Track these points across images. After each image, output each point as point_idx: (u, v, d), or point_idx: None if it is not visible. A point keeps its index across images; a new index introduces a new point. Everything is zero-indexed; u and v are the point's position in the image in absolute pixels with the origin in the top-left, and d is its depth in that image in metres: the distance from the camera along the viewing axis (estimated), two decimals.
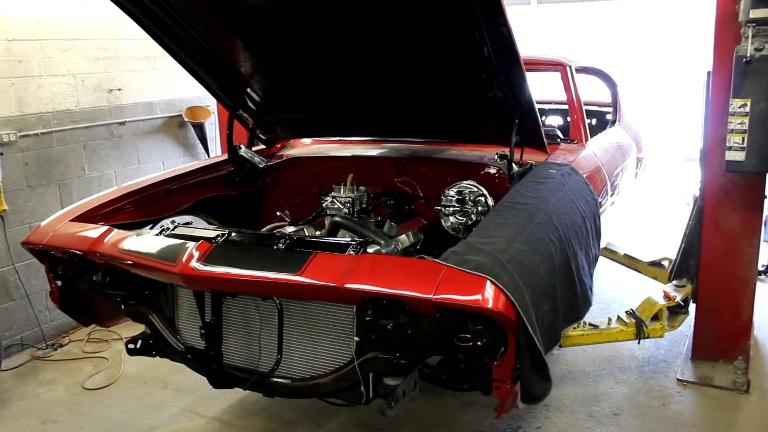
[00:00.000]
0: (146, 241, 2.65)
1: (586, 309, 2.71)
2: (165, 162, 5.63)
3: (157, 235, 2.76)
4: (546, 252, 2.40)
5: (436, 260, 2.17)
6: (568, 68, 4.25)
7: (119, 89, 5.16)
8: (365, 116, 3.78)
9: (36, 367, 4.50)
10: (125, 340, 3.09)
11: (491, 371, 2.20)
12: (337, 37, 3.08)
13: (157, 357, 3.07)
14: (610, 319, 3.88)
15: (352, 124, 3.97)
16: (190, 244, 2.49)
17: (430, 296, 2.05)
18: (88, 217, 3.08)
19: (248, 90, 3.71)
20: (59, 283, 3.12)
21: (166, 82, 5.47)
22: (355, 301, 2.26)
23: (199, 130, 5.81)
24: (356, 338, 2.45)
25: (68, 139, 4.86)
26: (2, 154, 4.40)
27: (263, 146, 4.18)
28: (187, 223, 2.95)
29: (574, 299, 2.60)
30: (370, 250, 2.46)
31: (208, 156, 5.92)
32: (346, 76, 3.38)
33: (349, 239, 2.64)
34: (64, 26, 4.75)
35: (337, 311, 2.52)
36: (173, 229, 2.82)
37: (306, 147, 4.33)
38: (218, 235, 2.65)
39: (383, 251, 2.61)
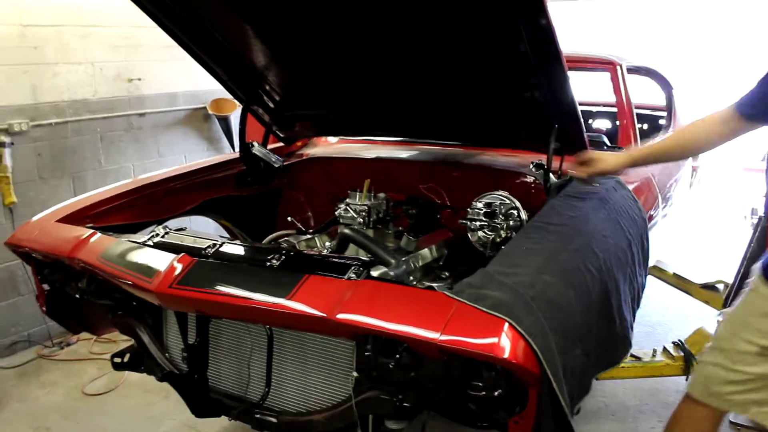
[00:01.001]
0: (128, 250, 2.37)
1: (625, 352, 2.33)
2: (187, 156, 5.39)
3: (142, 243, 2.47)
4: (582, 285, 2.02)
5: (448, 293, 1.82)
6: (618, 67, 3.82)
7: (140, 79, 4.92)
8: (391, 115, 3.42)
9: (40, 367, 4.30)
10: (111, 354, 2.83)
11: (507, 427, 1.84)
12: (362, 28, 2.73)
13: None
14: (655, 351, 3.47)
15: (377, 123, 3.63)
16: (171, 258, 2.19)
17: (435, 338, 1.70)
18: (80, 217, 2.82)
19: (264, 83, 3.40)
20: (46, 287, 2.87)
21: (190, 73, 5.18)
22: (348, 336, 1.93)
23: (225, 123, 5.55)
24: (355, 374, 2.10)
25: (84, 130, 4.65)
26: (13, 143, 4.20)
27: (282, 144, 3.87)
28: (181, 229, 2.66)
29: (612, 341, 2.21)
30: (374, 272, 2.12)
31: (234, 150, 5.67)
32: (372, 71, 3.03)
33: (355, 258, 2.31)
34: (82, 12, 4.52)
35: (334, 341, 2.19)
36: (163, 236, 2.54)
37: (329, 146, 4.01)
38: (207, 247, 2.35)
39: (391, 273, 2.27)
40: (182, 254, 2.19)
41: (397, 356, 1.89)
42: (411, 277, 2.68)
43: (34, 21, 4.26)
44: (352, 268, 2.07)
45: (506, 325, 1.70)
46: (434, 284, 1.89)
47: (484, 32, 2.44)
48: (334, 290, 1.94)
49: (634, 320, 2.50)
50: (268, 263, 2.19)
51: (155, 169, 5.03)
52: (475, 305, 1.76)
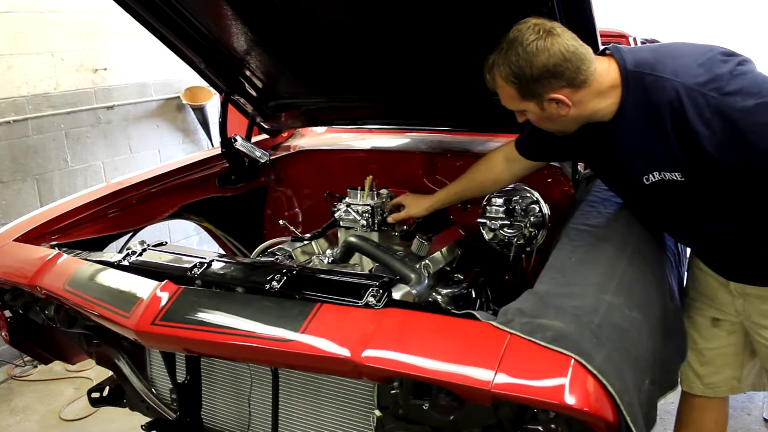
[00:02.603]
0: (99, 276, 2.00)
1: (680, 367, 2.05)
2: (162, 150, 5.00)
3: (116, 264, 2.11)
4: (644, 301, 1.71)
5: (496, 323, 1.50)
6: (632, 40, 3.51)
7: (105, 69, 4.50)
8: (388, 99, 3.08)
9: (11, 390, 3.93)
10: (87, 390, 2.48)
11: None
12: (355, 1, 2.37)
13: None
14: None
15: (372, 110, 3.27)
16: (152, 286, 1.84)
17: (487, 383, 1.38)
18: (42, 233, 2.44)
19: (245, 69, 3.02)
20: (8, 314, 2.49)
21: (161, 60, 4.78)
22: (376, 379, 1.60)
23: (200, 113, 5.17)
24: (377, 412, 1.78)
25: (47, 127, 4.23)
26: None
27: (266, 136, 3.50)
28: (160, 244, 2.30)
29: (673, 358, 1.92)
30: (396, 293, 1.79)
31: (212, 142, 5.28)
32: (365, 50, 2.67)
33: (370, 275, 1.97)
34: None
35: None
36: (140, 254, 2.18)
37: (318, 137, 3.65)
38: (193, 267, 2.00)
39: (413, 291, 1.94)
40: (165, 281, 1.84)
41: (433, 398, 1.58)
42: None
43: None
44: (370, 290, 1.74)
45: (573, 363, 1.38)
46: (476, 312, 1.55)
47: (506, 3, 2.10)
48: (354, 322, 1.61)
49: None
50: (268, 286, 1.85)
51: (127, 166, 4.69)
52: (533, 339, 1.44)
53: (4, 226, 2.58)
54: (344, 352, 1.54)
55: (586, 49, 1.79)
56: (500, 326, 1.49)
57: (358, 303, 1.70)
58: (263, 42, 2.80)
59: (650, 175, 1.85)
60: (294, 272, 1.92)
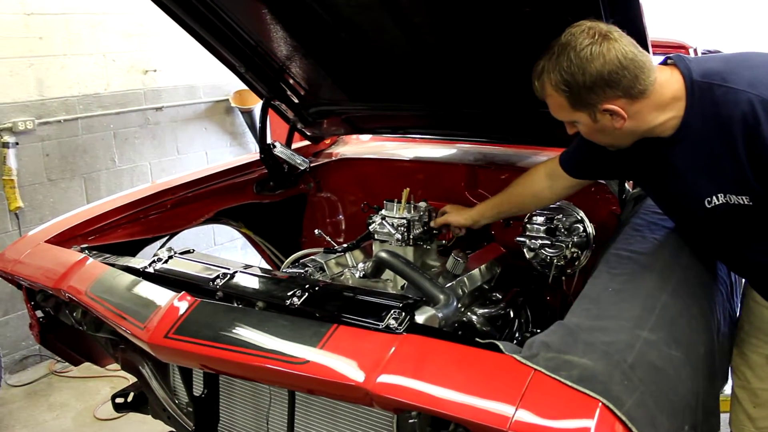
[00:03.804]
0: (120, 284, 1.97)
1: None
2: (209, 152, 5.02)
3: (141, 271, 2.08)
4: (687, 339, 1.57)
5: (519, 358, 1.39)
6: (692, 51, 3.33)
7: (155, 70, 4.54)
8: (431, 109, 2.98)
9: (50, 385, 3.98)
10: (111, 395, 2.46)
11: None
12: (400, 7, 2.29)
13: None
14: None
15: (414, 119, 3.18)
16: (170, 296, 1.79)
17: (505, 426, 1.27)
18: (74, 235, 2.44)
19: (286, 75, 2.98)
20: (40, 314, 2.50)
21: (210, 62, 4.77)
22: (390, 409, 1.51)
23: (249, 116, 5.16)
24: None
25: (96, 127, 4.29)
26: (18, 143, 3.87)
27: (308, 143, 3.45)
28: (187, 252, 2.26)
29: (715, 402, 1.77)
30: (420, 317, 1.70)
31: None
32: (407, 58, 2.58)
33: (395, 295, 1.89)
34: None
35: None
36: (165, 261, 2.14)
37: (361, 145, 3.58)
38: (216, 278, 1.95)
39: (439, 315, 1.84)
40: (182, 293, 1.79)
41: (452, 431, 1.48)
42: (460, 305, 2.26)
43: (39, 9, 3.90)
44: (392, 312, 1.65)
45: (600, 407, 1.26)
46: (500, 343, 1.45)
47: (552, 10, 1.98)
48: (370, 347, 1.52)
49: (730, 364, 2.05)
50: (288, 302, 1.78)
51: (174, 168, 4.71)
52: (557, 377, 1.32)
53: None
54: (357, 378, 1.45)
55: (646, 57, 1.64)
56: (524, 361, 1.38)
57: (378, 326, 1.62)
58: (304, 48, 2.75)
59: (713, 198, 1.69)
60: (317, 288, 1.84)
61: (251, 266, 2.11)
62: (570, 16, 1.88)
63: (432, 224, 2.52)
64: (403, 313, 1.64)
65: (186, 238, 2.95)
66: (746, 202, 1.64)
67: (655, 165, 1.81)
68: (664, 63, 1.74)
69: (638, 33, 1.78)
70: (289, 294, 1.81)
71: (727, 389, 2.88)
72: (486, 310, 2.37)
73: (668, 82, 1.67)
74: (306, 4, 2.35)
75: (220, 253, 5.07)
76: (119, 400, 2.45)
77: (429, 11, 2.29)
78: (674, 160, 1.74)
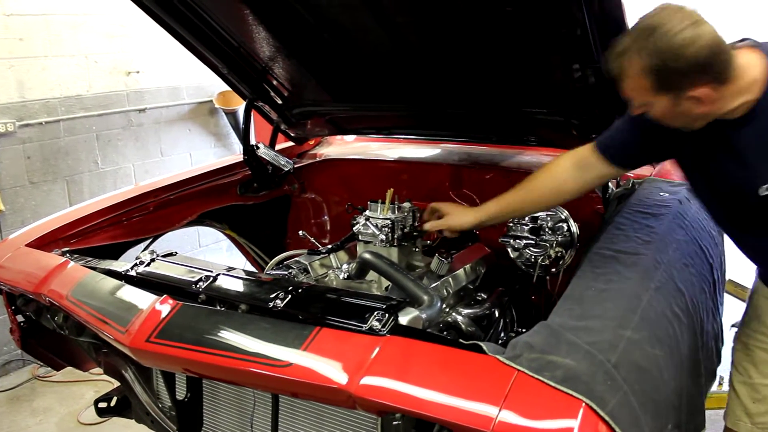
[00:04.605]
0: (101, 288, 1.95)
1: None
2: (193, 154, 4.99)
3: (123, 274, 2.06)
4: (670, 338, 1.58)
5: (502, 358, 1.38)
6: None
7: (138, 71, 4.51)
8: (414, 109, 2.97)
9: (33, 390, 3.94)
10: (94, 400, 2.44)
11: None
12: (382, 7, 2.28)
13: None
14: (722, 378, 3.02)
15: (398, 119, 3.18)
16: (151, 300, 1.77)
17: (488, 427, 1.26)
18: (54, 239, 2.41)
19: (269, 75, 2.96)
20: (21, 318, 2.47)
21: (194, 64, 4.75)
22: (373, 412, 1.50)
23: (233, 117, 5.14)
24: None
25: (78, 129, 4.26)
26: None
27: (292, 143, 3.44)
28: (170, 254, 2.24)
29: (699, 400, 1.77)
30: (404, 318, 1.69)
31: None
32: (391, 58, 2.57)
33: (378, 297, 1.88)
34: None
35: None
36: (147, 264, 2.12)
37: (345, 145, 3.57)
38: (199, 280, 1.93)
39: (423, 315, 1.83)
40: (164, 296, 1.77)
41: None
42: (445, 305, 2.26)
43: (19, 10, 3.87)
44: (375, 313, 1.64)
45: (584, 407, 1.26)
46: (483, 344, 1.44)
47: (535, 9, 1.98)
48: (353, 349, 1.51)
49: (719, 363, 2.05)
50: (271, 304, 1.77)
51: (158, 169, 4.68)
52: (541, 378, 1.32)
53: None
54: (340, 380, 1.44)
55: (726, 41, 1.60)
56: (507, 362, 1.37)
57: (361, 327, 1.61)
58: (287, 49, 2.74)
59: None
60: (300, 290, 1.83)
61: (234, 269, 2.09)
62: (550, 17, 1.90)
63: (426, 227, 2.40)
64: (387, 315, 1.64)
65: (171, 240, 2.93)
66: None
67: (714, 147, 1.75)
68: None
69: (620, 31, 1.78)
70: (272, 296, 1.80)
71: (723, 387, 2.93)
72: (471, 311, 2.37)
73: (750, 66, 1.63)
74: (288, 5, 2.34)
75: (205, 255, 5.04)
76: (102, 405, 2.43)
77: (412, 11, 2.29)
78: (737, 143, 1.69)
